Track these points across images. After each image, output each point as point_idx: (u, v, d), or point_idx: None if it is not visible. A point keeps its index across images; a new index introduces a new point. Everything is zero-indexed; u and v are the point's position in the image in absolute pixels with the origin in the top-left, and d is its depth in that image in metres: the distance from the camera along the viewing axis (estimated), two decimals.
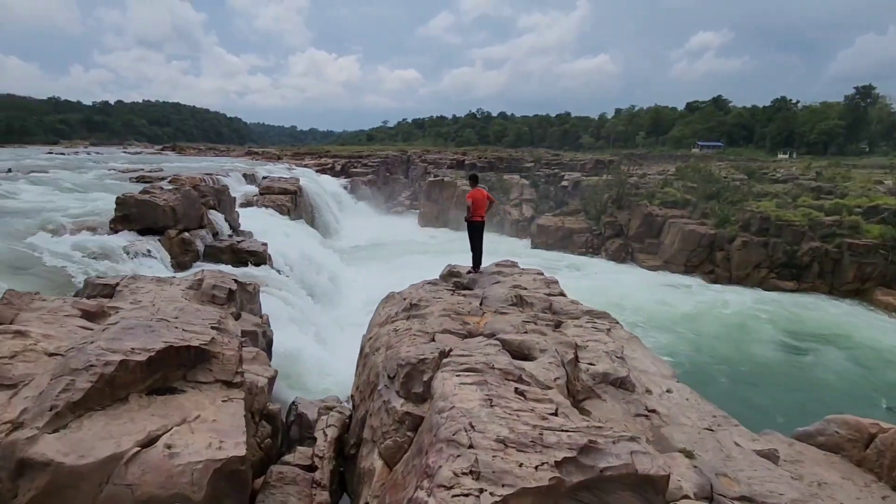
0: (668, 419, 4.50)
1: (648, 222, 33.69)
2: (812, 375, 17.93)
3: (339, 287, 22.01)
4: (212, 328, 4.29)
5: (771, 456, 4.18)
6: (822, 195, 35.71)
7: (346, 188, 54.01)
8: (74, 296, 7.33)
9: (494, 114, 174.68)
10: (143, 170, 32.95)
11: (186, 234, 15.54)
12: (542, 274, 8.65)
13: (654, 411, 4.57)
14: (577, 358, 5.11)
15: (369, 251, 33.48)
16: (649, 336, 20.54)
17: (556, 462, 2.89)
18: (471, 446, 2.92)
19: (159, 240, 14.60)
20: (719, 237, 30.00)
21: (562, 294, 7.49)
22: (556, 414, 3.57)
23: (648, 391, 4.93)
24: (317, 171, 56.23)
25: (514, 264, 9.29)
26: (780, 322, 23.02)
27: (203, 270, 8.14)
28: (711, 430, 4.41)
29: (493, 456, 2.83)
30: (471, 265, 9.51)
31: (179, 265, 14.69)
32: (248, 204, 28.67)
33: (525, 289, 7.31)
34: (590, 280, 28.19)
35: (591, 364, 5.00)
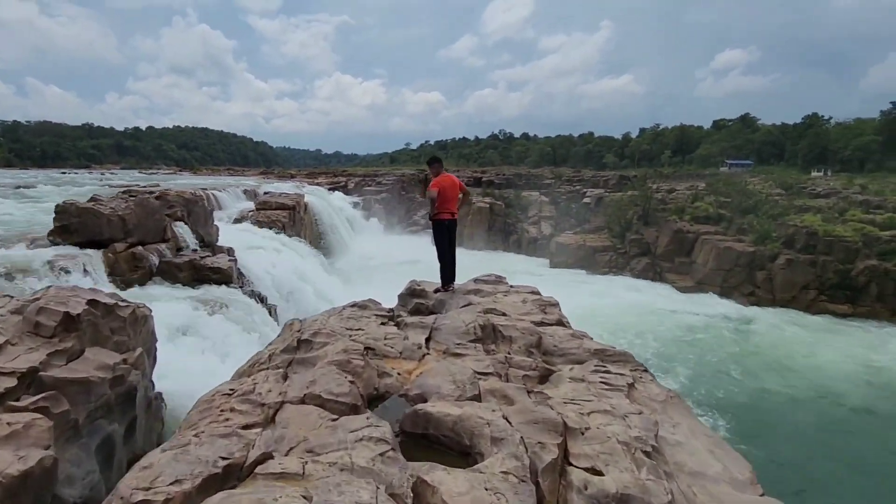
0: None
1: (679, 239, 30.71)
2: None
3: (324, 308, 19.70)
4: None
5: None
6: (872, 209, 32.31)
7: (357, 206, 52.09)
8: None
9: (517, 135, 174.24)
10: (138, 185, 31.45)
11: (140, 247, 13.45)
12: (537, 293, 6.08)
13: None
14: (565, 458, 2.63)
15: (371, 272, 31.19)
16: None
17: None
18: None
19: (101, 254, 12.52)
20: (759, 255, 26.87)
21: (561, 322, 4.95)
22: None
23: None
24: (328, 189, 54.67)
25: (499, 279, 6.73)
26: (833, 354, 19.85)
27: (50, 287, 5.92)
28: None
29: None
30: (440, 282, 6.97)
31: (126, 283, 12.55)
32: (241, 219, 26.76)
33: (504, 314, 4.81)
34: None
35: (593, 471, 2.50)
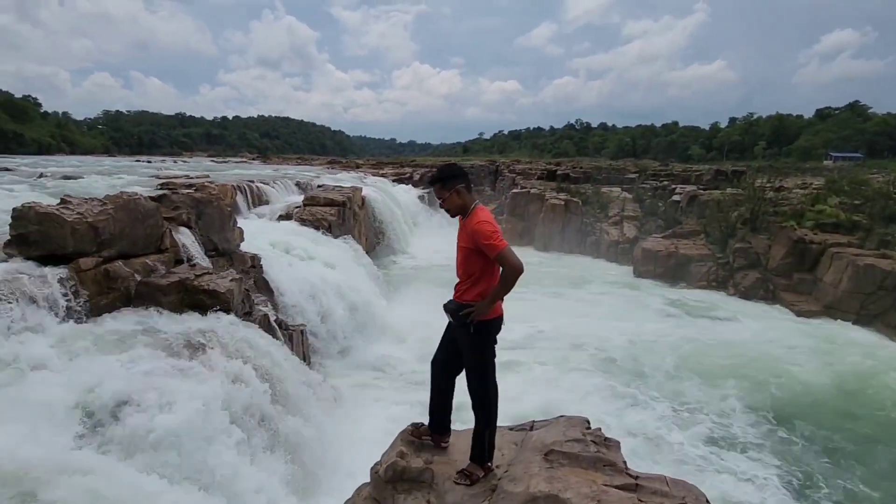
0: None
1: (799, 251, 25.11)
2: None
3: (369, 334, 16.35)
4: None
5: None
6: None
7: (422, 199, 48.92)
8: None
9: (595, 125, 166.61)
10: (188, 175, 29.63)
11: (120, 262, 10.63)
12: None
13: None
14: None
15: (434, 273, 27.72)
16: None
17: None
18: None
19: (64, 272, 9.76)
20: None
21: None
22: None
23: None
24: (393, 181, 51.99)
25: (601, 448, 2.59)
26: None
27: None
28: None
29: None
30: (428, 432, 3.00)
31: (92, 310, 9.76)
32: (287, 216, 24.08)
33: None
34: None
35: None
